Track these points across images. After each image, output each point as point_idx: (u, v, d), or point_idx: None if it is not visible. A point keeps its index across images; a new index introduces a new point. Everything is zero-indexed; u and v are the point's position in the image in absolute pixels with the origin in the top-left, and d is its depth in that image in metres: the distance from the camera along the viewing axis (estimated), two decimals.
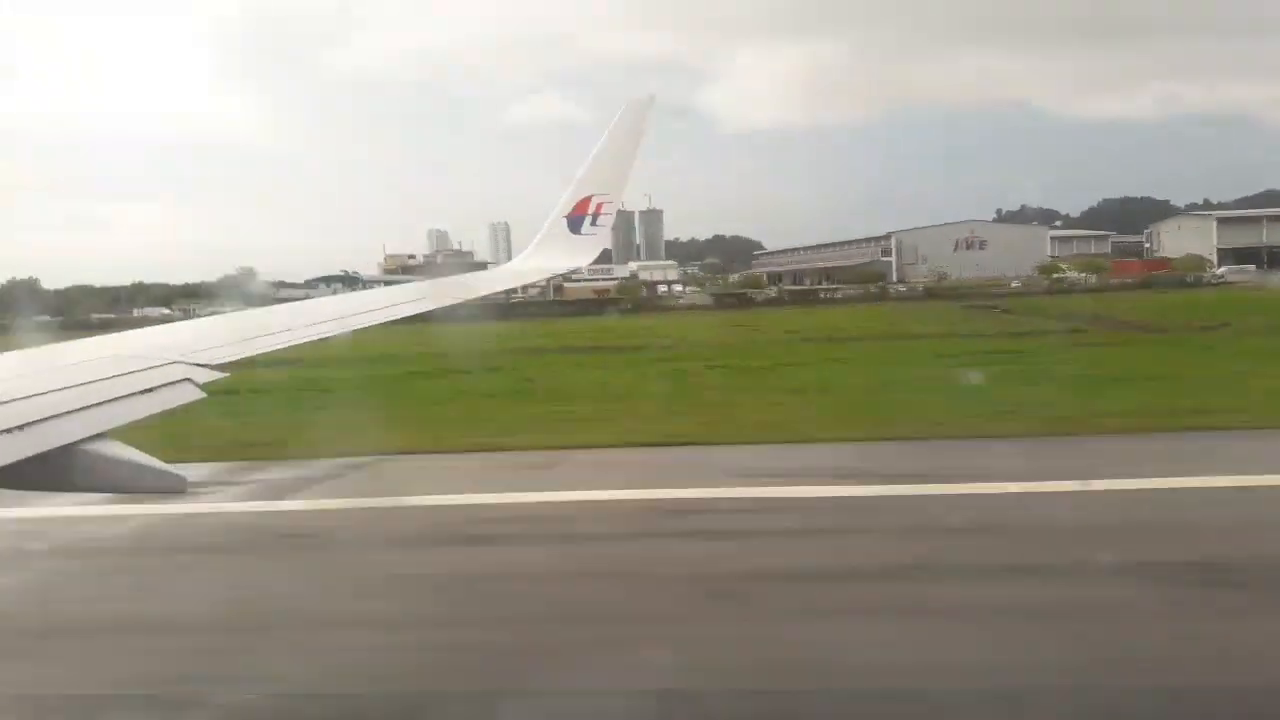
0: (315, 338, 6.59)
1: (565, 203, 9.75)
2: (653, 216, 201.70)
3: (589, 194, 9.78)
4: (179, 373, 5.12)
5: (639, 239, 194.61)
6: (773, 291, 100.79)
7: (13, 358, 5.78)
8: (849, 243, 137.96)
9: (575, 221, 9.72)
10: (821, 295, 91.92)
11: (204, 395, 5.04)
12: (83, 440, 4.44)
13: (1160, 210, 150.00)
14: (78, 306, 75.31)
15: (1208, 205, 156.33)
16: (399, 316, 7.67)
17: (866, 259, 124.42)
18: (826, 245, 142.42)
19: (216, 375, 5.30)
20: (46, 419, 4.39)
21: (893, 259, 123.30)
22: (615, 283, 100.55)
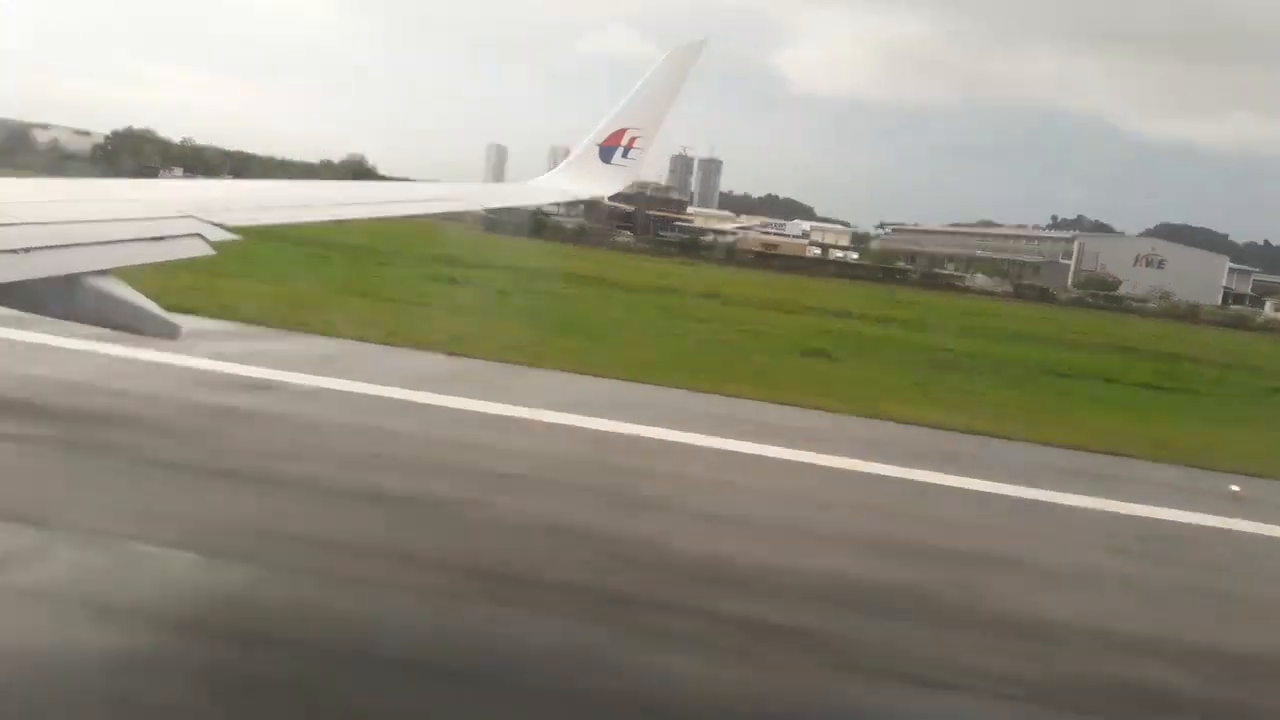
0: (337, 217, 6.68)
1: (599, 131, 9.75)
2: (711, 166, 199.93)
3: (624, 126, 9.76)
4: (190, 227, 5.22)
5: (694, 186, 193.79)
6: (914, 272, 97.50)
7: (37, 185, 5.89)
8: (1031, 236, 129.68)
9: (607, 151, 9.72)
10: (958, 284, 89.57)
11: (213, 252, 5.14)
12: (86, 274, 4.57)
13: (1217, 244, 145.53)
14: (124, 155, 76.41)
15: (1268, 246, 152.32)
16: (431, 212, 7.77)
17: (1041, 257, 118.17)
18: (993, 231, 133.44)
19: (228, 236, 5.39)
20: (54, 247, 4.51)
21: (1071, 262, 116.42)
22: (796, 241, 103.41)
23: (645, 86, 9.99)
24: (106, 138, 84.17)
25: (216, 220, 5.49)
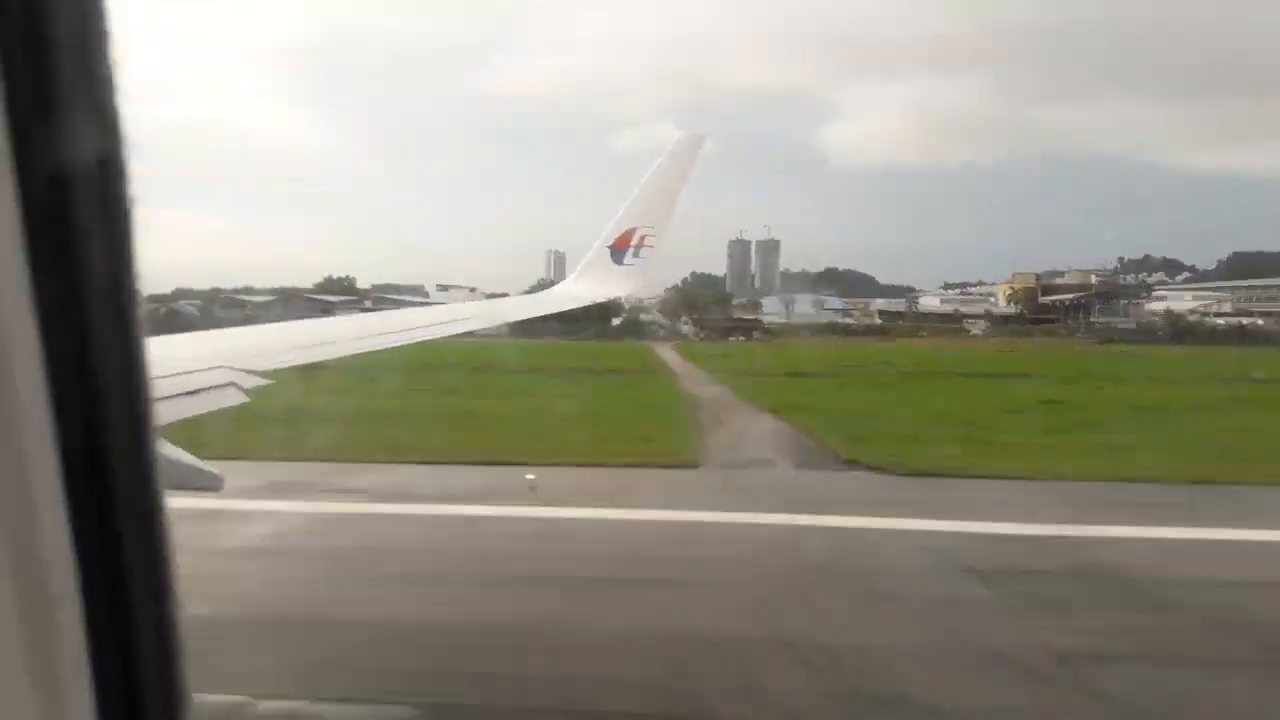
0: (364, 349, 6.98)
1: (609, 233, 10.08)
2: (769, 247, 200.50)
3: (633, 226, 10.09)
4: (224, 377, 5.51)
5: (754, 269, 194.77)
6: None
7: None
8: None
9: (619, 253, 10.03)
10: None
11: (247, 399, 5.42)
12: None
13: None
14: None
15: None
16: (455, 333, 8.07)
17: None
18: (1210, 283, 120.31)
19: (262, 381, 5.68)
20: None
21: None
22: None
23: (650, 184, 10.35)
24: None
25: (248, 367, 5.80)
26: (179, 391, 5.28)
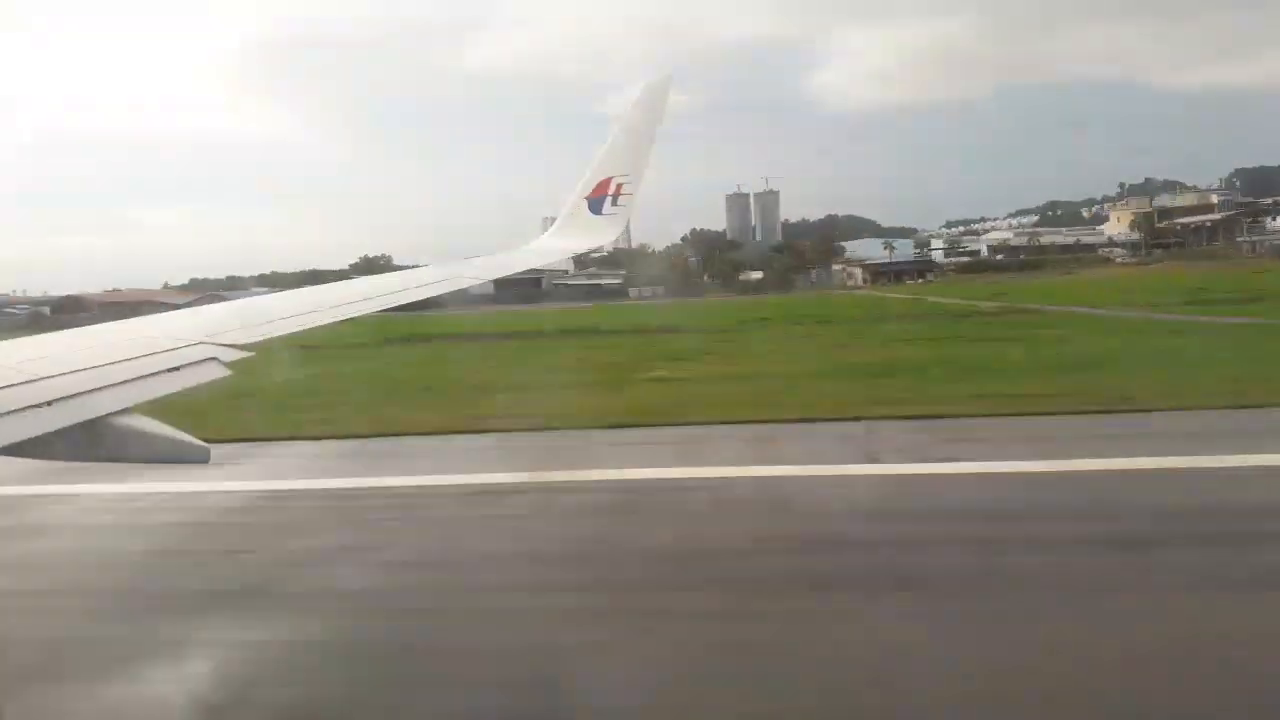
0: (346, 316, 6.76)
1: (585, 184, 9.83)
2: (769, 198, 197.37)
3: (609, 175, 9.84)
4: (204, 352, 5.32)
5: (754, 220, 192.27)
6: None
7: (48, 338, 6.03)
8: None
9: (596, 203, 9.79)
10: None
11: (228, 373, 5.23)
12: (109, 414, 4.65)
13: None
14: None
15: None
16: (440, 293, 7.83)
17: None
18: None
19: (241, 355, 5.49)
20: (75, 395, 4.61)
21: None
22: None
23: (622, 131, 10.09)
24: None
25: (228, 341, 5.60)
26: (159, 369, 5.11)
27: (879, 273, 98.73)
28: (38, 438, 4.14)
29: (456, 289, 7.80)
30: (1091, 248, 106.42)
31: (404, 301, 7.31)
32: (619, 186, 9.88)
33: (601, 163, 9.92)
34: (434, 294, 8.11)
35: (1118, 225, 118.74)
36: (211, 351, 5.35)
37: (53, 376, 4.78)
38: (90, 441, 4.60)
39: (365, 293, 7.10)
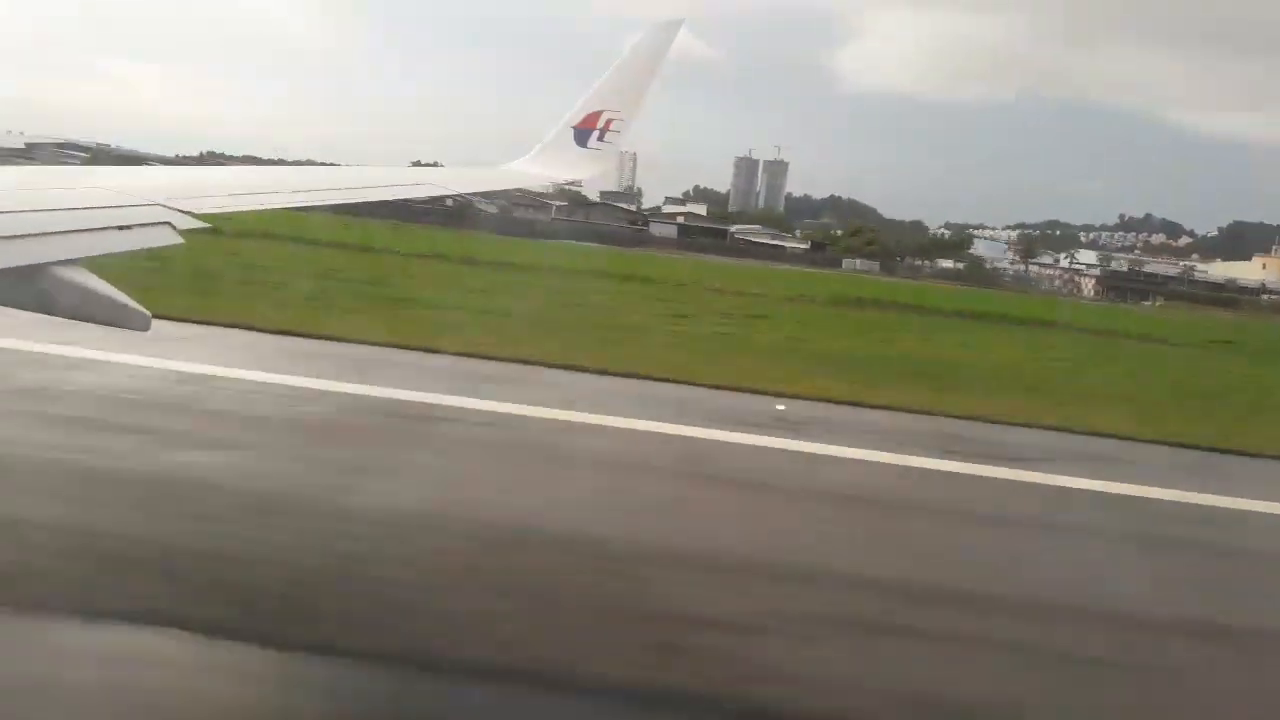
0: (307, 204, 6.55)
1: (575, 113, 9.61)
2: (777, 168, 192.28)
3: (600, 109, 9.63)
4: (159, 215, 5.10)
5: (760, 187, 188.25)
6: None
7: (13, 174, 5.74)
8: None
9: (582, 134, 9.59)
10: None
11: (181, 240, 5.03)
12: (50, 264, 4.45)
13: None
14: None
15: None
16: (406, 196, 7.62)
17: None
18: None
19: (197, 225, 5.28)
20: (14, 236, 4.40)
21: None
22: None
23: (622, 66, 9.86)
24: None
25: (185, 208, 5.38)
26: (109, 225, 4.89)
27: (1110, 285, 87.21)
28: None
29: (431, 195, 7.59)
30: (1248, 290, 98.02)
31: (378, 198, 7.10)
32: (609, 122, 9.68)
33: (595, 96, 9.70)
34: (402, 197, 7.90)
35: (1263, 272, 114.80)
36: (165, 215, 5.14)
37: None
38: (24, 289, 4.41)
39: (334, 182, 6.88)
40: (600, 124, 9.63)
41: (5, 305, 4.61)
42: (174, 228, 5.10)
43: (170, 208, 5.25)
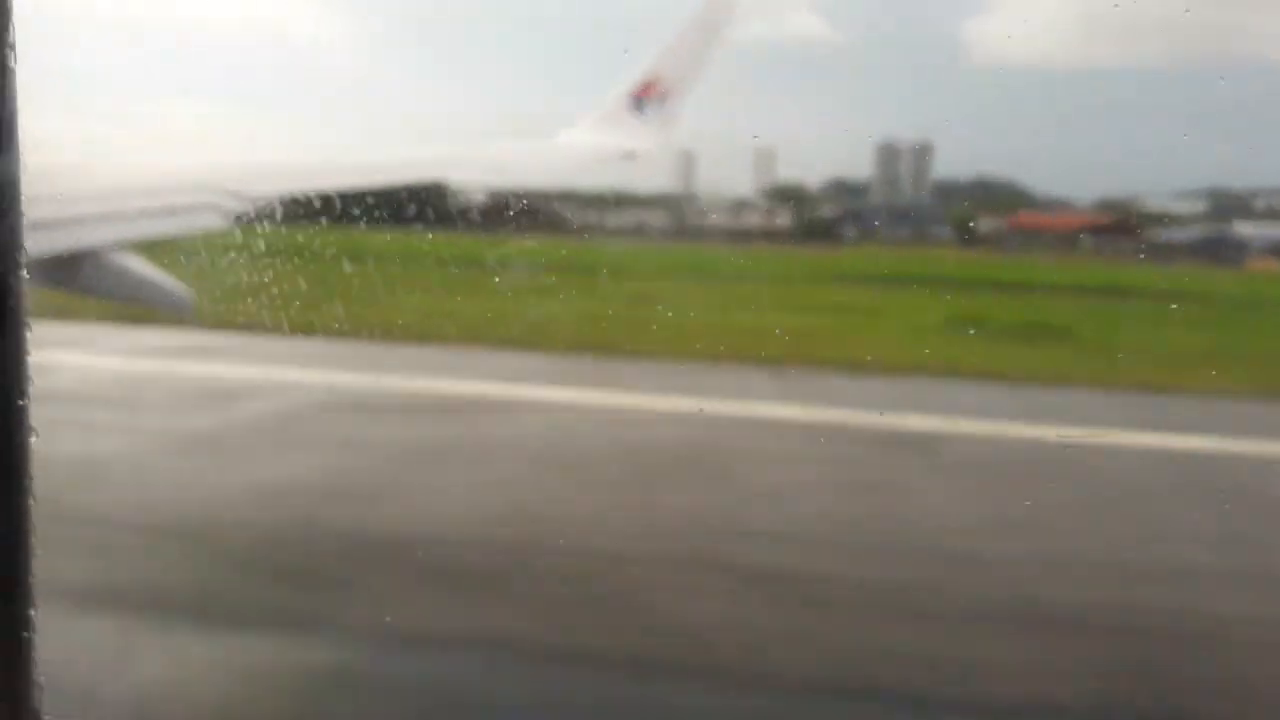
0: (364, 184, 6.61)
1: (633, 80, 9.45)
2: (922, 152, 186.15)
3: (659, 76, 9.46)
4: (205, 198, 5.23)
5: (903, 173, 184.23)
6: None
7: (63, 163, 5.95)
8: None
9: (640, 102, 9.43)
10: None
11: (227, 224, 5.16)
12: (102, 248, 4.62)
13: None
14: None
15: None
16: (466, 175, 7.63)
17: None
18: None
19: (244, 207, 5.39)
20: (71, 222, 4.56)
21: None
22: None
23: (683, 34, 9.66)
24: None
25: (234, 190, 5.50)
26: (155, 208, 5.03)
27: None
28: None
29: (505, 181, 7.58)
30: None
31: (423, 180, 7.14)
32: (669, 90, 9.50)
33: (654, 61, 9.51)
34: (475, 179, 7.92)
35: None
36: (212, 198, 5.26)
37: (53, 200, 4.73)
38: (76, 272, 4.58)
39: (386, 164, 6.92)
40: (659, 91, 9.46)
41: (58, 288, 4.81)
42: (220, 211, 5.22)
43: (219, 190, 5.37)
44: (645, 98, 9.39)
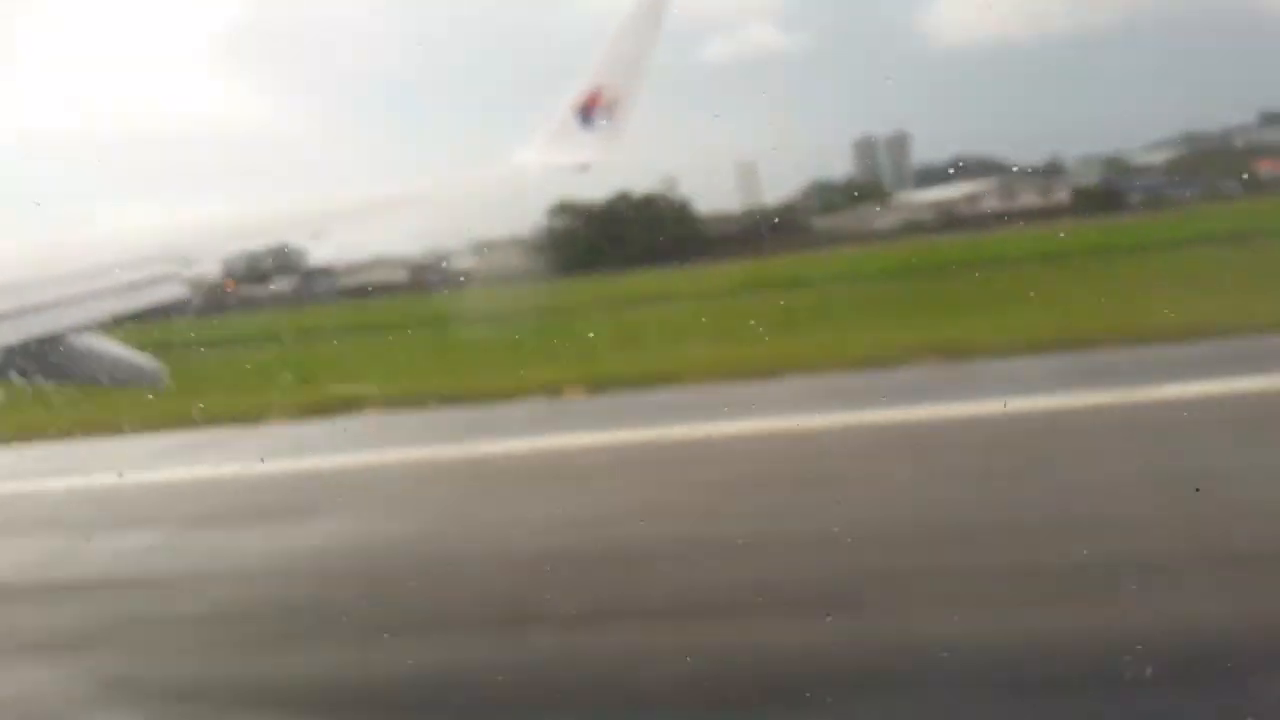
0: (316, 235, 6.66)
1: (577, 94, 9.51)
2: (897, 142, 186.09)
3: (603, 85, 9.52)
4: (163, 270, 5.26)
5: (884, 164, 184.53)
6: None
7: (15, 247, 5.97)
8: None
9: (587, 115, 9.49)
10: None
11: (187, 293, 5.19)
12: (66, 331, 4.65)
13: None
14: None
15: None
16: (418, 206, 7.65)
17: None
18: None
19: (202, 272, 5.43)
20: (32, 310, 4.58)
21: None
22: None
23: (619, 39, 9.71)
24: None
25: (189, 256, 5.53)
26: (117, 285, 5.06)
27: None
28: None
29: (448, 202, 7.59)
30: None
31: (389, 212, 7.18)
32: (614, 99, 9.57)
33: (596, 72, 9.58)
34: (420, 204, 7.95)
35: None
36: (169, 269, 5.29)
37: (13, 287, 4.75)
38: (45, 358, 4.61)
39: (340, 208, 6.97)
40: (604, 101, 9.53)
41: (25, 375, 4.83)
42: (180, 280, 5.26)
43: (173, 259, 5.40)
44: (592, 109, 9.45)
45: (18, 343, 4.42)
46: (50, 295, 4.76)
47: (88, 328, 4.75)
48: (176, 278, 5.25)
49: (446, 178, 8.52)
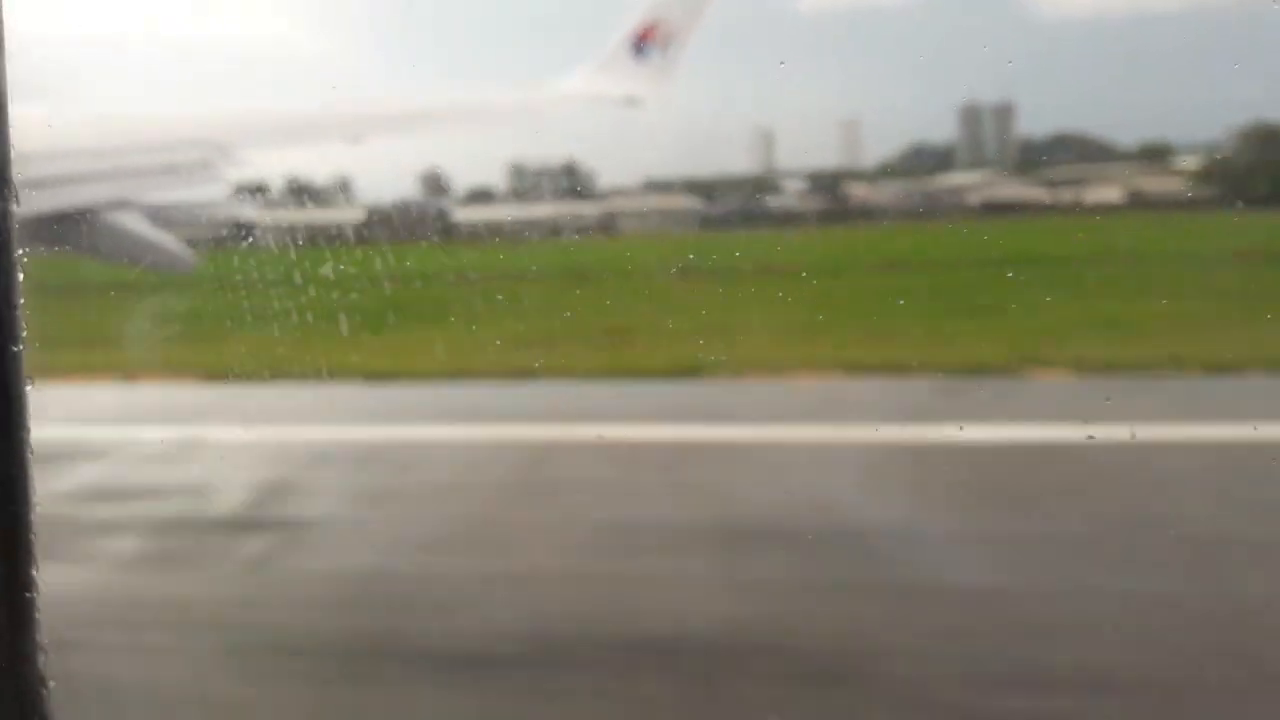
0: (357, 137, 6.52)
1: (633, 25, 9.23)
2: (1003, 111, 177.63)
3: (660, 19, 9.25)
4: (202, 155, 5.17)
5: (987, 136, 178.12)
6: None
7: (68, 122, 5.87)
8: None
9: (640, 47, 9.23)
10: None
11: (224, 180, 5.12)
12: (102, 207, 4.58)
13: None
14: None
15: None
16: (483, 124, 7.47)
17: None
18: None
19: (241, 163, 5.34)
20: (71, 181, 4.52)
21: None
22: None
23: None
24: None
25: (231, 146, 5.43)
26: (154, 165, 4.98)
27: None
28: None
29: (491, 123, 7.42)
30: None
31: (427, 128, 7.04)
32: (670, 34, 9.30)
33: (654, 6, 9.30)
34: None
35: None
36: (209, 155, 5.21)
37: (55, 157, 4.67)
38: (79, 232, 4.55)
39: (382, 115, 6.81)
40: (660, 35, 9.26)
41: (61, 246, 4.78)
42: (217, 167, 5.17)
43: (214, 146, 5.30)
44: (646, 42, 9.19)
45: (51, 212, 4.35)
46: (84, 167, 4.69)
47: (123, 205, 4.68)
48: (213, 165, 5.16)
49: (494, 97, 8.28)
